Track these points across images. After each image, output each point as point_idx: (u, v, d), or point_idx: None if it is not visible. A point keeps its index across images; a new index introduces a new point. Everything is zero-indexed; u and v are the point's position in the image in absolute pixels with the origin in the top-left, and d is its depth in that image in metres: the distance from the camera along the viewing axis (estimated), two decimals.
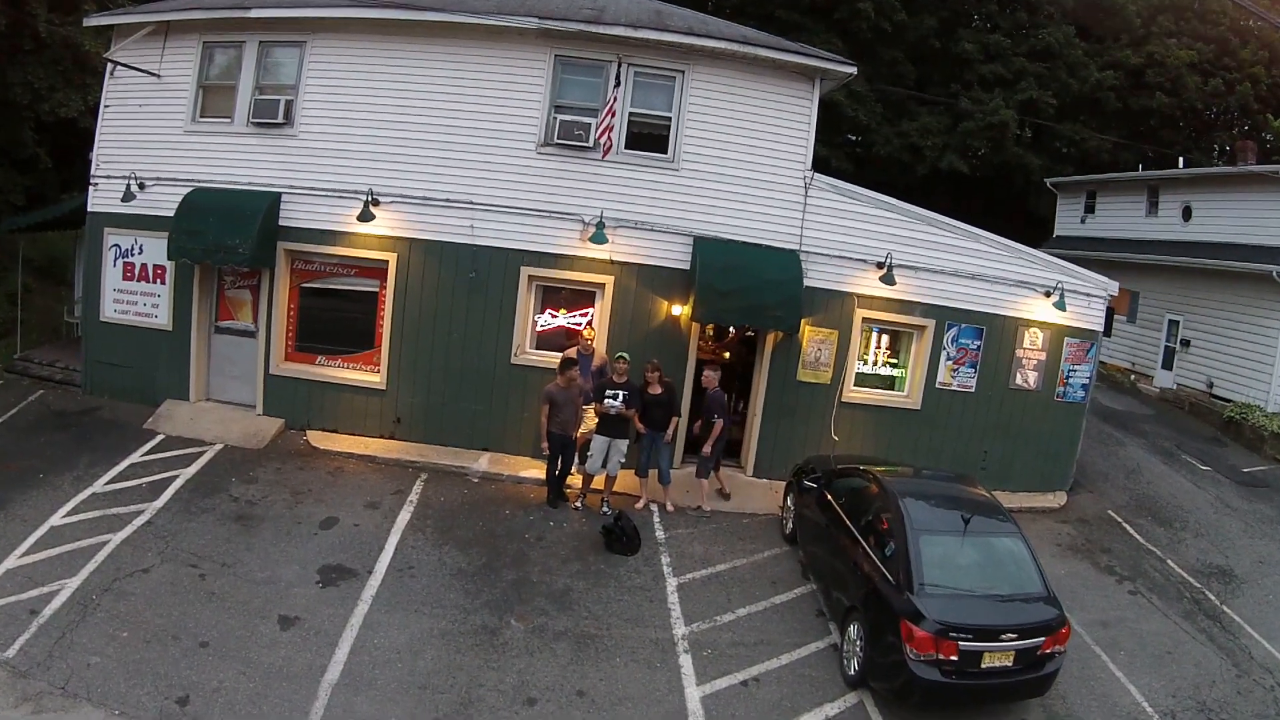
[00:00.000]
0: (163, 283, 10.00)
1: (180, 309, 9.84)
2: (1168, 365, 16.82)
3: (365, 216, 8.84)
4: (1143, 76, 22.24)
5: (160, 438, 9.24)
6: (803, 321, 8.95)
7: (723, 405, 8.43)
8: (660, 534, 8.09)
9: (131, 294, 10.11)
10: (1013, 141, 20.37)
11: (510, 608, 6.66)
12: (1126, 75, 21.86)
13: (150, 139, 9.97)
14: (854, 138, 20.31)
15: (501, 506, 8.28)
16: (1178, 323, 16.57)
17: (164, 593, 6.45)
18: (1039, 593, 6.08)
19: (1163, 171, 18.64)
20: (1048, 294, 9.89)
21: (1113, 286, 10.50)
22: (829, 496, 7.43)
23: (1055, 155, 21.61)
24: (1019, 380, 10.15)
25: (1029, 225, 21.12)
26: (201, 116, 9.89)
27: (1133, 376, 17.44)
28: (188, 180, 9.63)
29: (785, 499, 8.49)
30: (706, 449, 8.35)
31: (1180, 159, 18.92)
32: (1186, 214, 17.35)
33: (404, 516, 7.89)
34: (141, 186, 9.89)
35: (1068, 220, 20.93)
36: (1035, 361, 10.18)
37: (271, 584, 6.69)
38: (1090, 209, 20.28)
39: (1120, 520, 10.01)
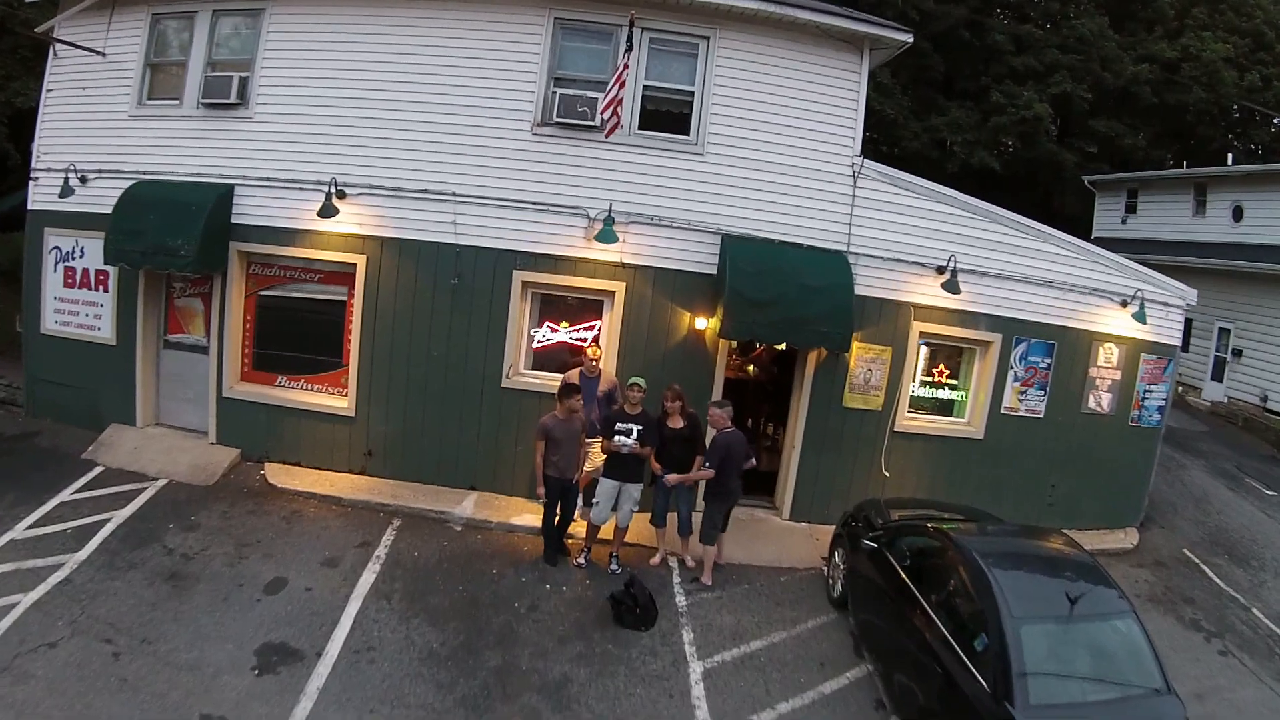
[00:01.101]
0: (106, 290, 8.43)
1: (124, 321, 8.27)
2: (1217, 377, 15.25)
3: (328, 211, 7.22)
4: (1178, 71, 20.53)
5: (98, 470, 7.68)
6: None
7: (729, 451, 6.35)
8: (681, 599, 6.43)
9: (73, 303, 8.54)
10: (1046, 137, 18.58)
11: (492, 707, 5.03)
12: (1161, 69, 20.12)
13: (93, 127, 8.45)
14: (873, 135, 18.72)
15: (488, 563, 6.63)
16: (1228, 331, 15.01)
17: (69, 676, 4.95)
18: (1158, 686, 4.56)
19: (1211, 169, 16.98)
20: (1124, 303, 8.27)
21: (1191, 295, 8.89)
22: (892, 560, 5.77)
23: (1086, 154, 19.82)
24: (1092, 403, 8.54)
25: (1058, 226, 19.33)
26: (149, 99, 8.34)
27: (1180, 389, 15.76)
28: (133, 172, 8.08)
29: (832, 553, 6.82)
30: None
31: (1229, 155, 17.24)
32: (1237, 214, 15.77)
33: (367, 579, 6.26)
34: (83, 180, 8.34)
35: (1107, 221, 19.21)
36: (1109, 382, 8.58)
37: (197, 670, 5.11)
38: (1131, 209, 18.56)
39: (1197, 560, 8.56)
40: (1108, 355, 8.50)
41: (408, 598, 6.07)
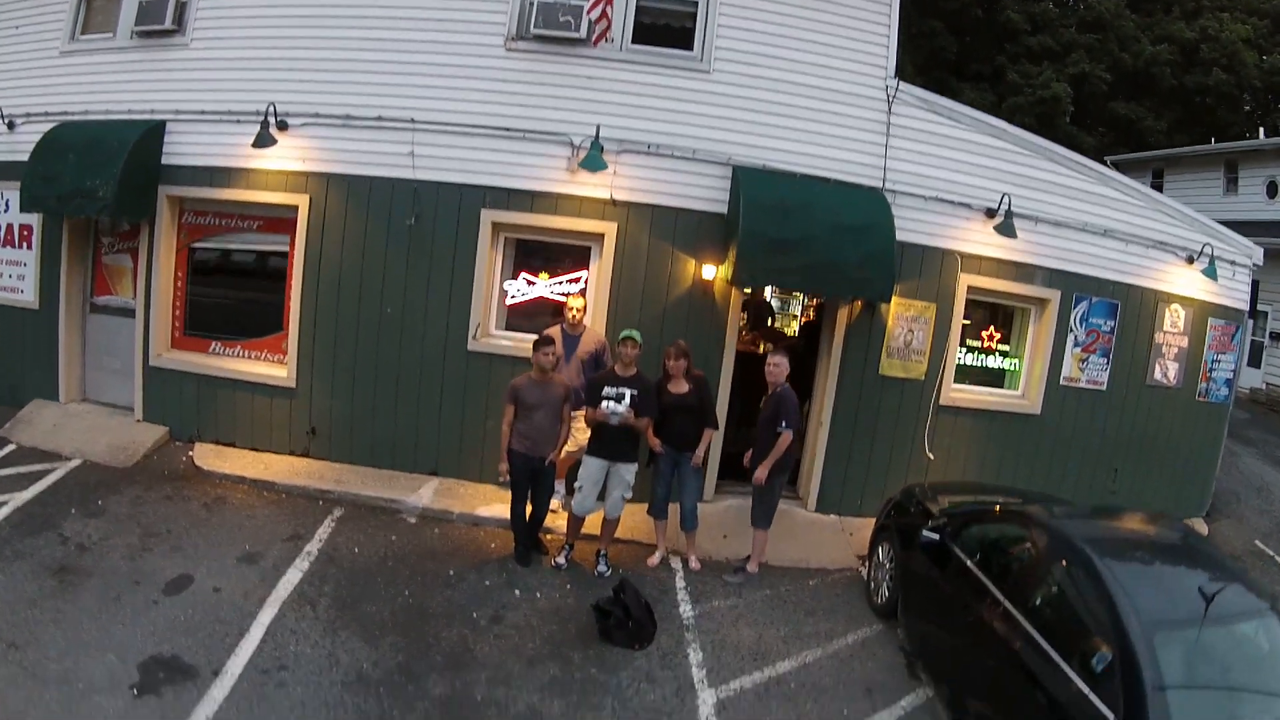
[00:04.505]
0: (29, 248, 7.02)
1: (48, 281, 6.85)
2: (1254, 363, 13.68)
3: (263, 140, 5.77)
4: (1197, 52, 19.02)
5: (9, 449, 6.28)
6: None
7: (797, 410, 5.08)
8: (687, 609, 4.87)
9: None
10: (1065, 118, 17.00)
11: None
12: (1180, 51, 18.61)
13: (23, 67, 7.10)
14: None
15: (444, 563, 5.09)
16: (1265, 314, 13.43)
17: None
18: None
19: (1243, 143, 15.45)
20: (1190, 259, 6.85)
21: (1258, 253, 7.52)
22: (962, 556, 4.23)
23: (1105, 137, 18.26)
24: (1158, 374, 7.06)
25: None
26: (82, 34, 6.97)
27: None
28: (61, 114, 6.72)
29: (873, 550, 5.27)
30: (760, 474, 5.00)
31: (1260, 129, 15.68)
32: (1272, 190, 14.32)
33: (290, 579, 4.75)
34: (10, 125, 6.99)
35: None
36: (1176, 350, 7.11)
37: (66, 685, 3.72)
38: (1157, 189, 16.97)
39: (1271, 553, 7.23)
40: (1174, 319, 7.03)
41: (338, 604, 4.55)
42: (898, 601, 4.77)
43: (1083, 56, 16.98)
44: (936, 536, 4.34)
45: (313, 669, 4.03)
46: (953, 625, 4.14)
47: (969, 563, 4.15)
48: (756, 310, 9.02)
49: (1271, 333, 13.56)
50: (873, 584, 5.13)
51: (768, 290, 10.32)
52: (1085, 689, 3.16)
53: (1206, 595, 3.27)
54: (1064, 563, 3.71)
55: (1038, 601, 3.69)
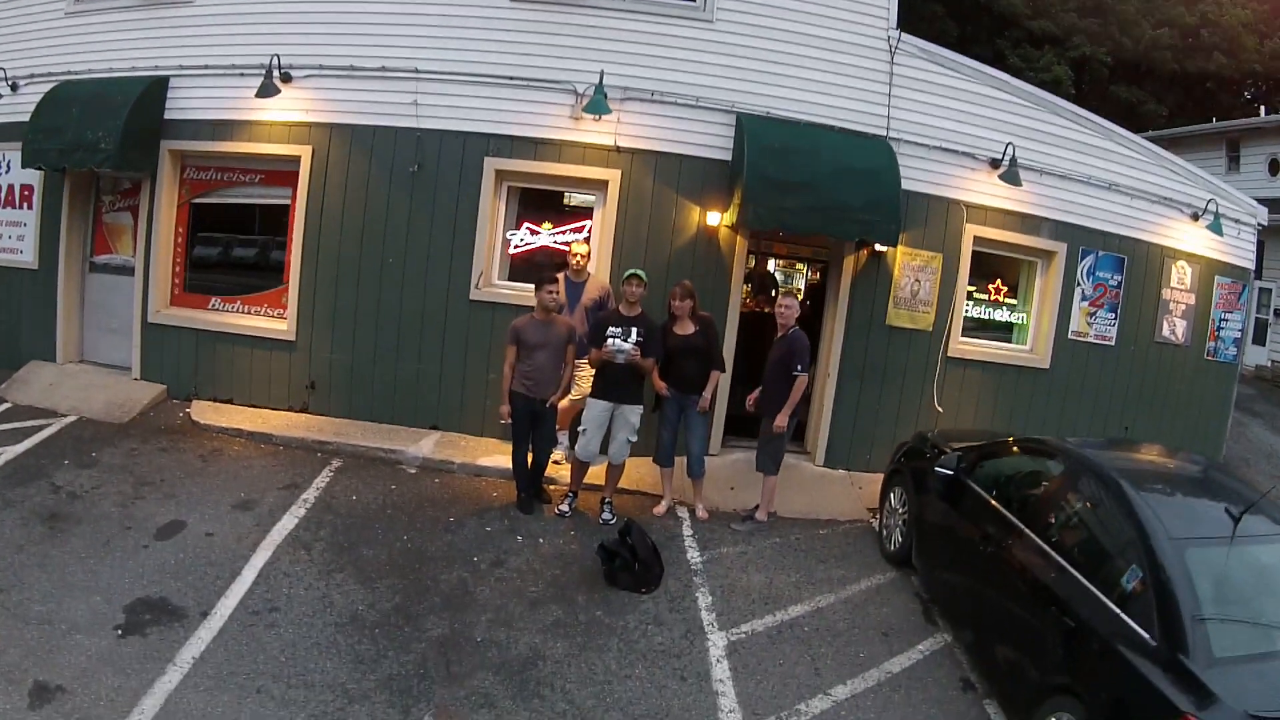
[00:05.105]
0: (30, 207, 6.89)
1: (47, 240, 6.71)
2: (1259, 340, 13.54)
3: (267, 90, 5.63)
4: (1197, 36, 18.89)
5: (5, 407, 6.13)
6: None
7: (809, 352, 4.89)
8: (694, 555, 4.69)
9: None
10: (1067, 100, 16.85)
11: (428, 692, 3.35)
12: (1181, 35, 18.49)
13: (28, 29, 6.99)
14: None
15: (445, 510, 4.92)
16: (1269, 291, 13.30)
17: None
18: None
19: (1244, 120, 15.36)
20: (1195, 216, 6.77)
21: (1262, 213, 7.46)
22: (977, 489, 4.06)
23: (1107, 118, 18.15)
24: (1165, 331, 6.95)
25: None
26: None
27: None
28: (65, 74, 6.62)
29: (884, 498, 5.08)
30: (780, 421, 4.83)
31: (1262, 108, 15.55)
32: (1274, 168, 14.22)
33: (286, 524, 4.58)
34: (14, 87, 6.90)
35: None
36: (1184, 306, 7.02)
37: (48, 625, 3.56)
38: None
39: None
40: (1181, 275, 6.94)
41: (334, 548, 4.38)
42: (911, 546, 4.58)
43: (1084, 40, 16.86)
44: (951, 471, 4.16)
45: (305, 610, 3.86)
46: (971, 564, 3.95)
47: (988, 497, 3.98)
48: (760, 282, 8.94)
49: (1276, 309, 13.40)
50: (885, 531, 4.94)
51: (770, 262, 10.18)
52: (1117, 610, 3.00)
53: (1234, 515, 3.15)
54: (1089, 488, 3.55)
55: (1062, 530, 3.54)
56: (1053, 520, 3.60)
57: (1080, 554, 3.35)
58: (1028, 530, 3.62)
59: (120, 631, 3.58)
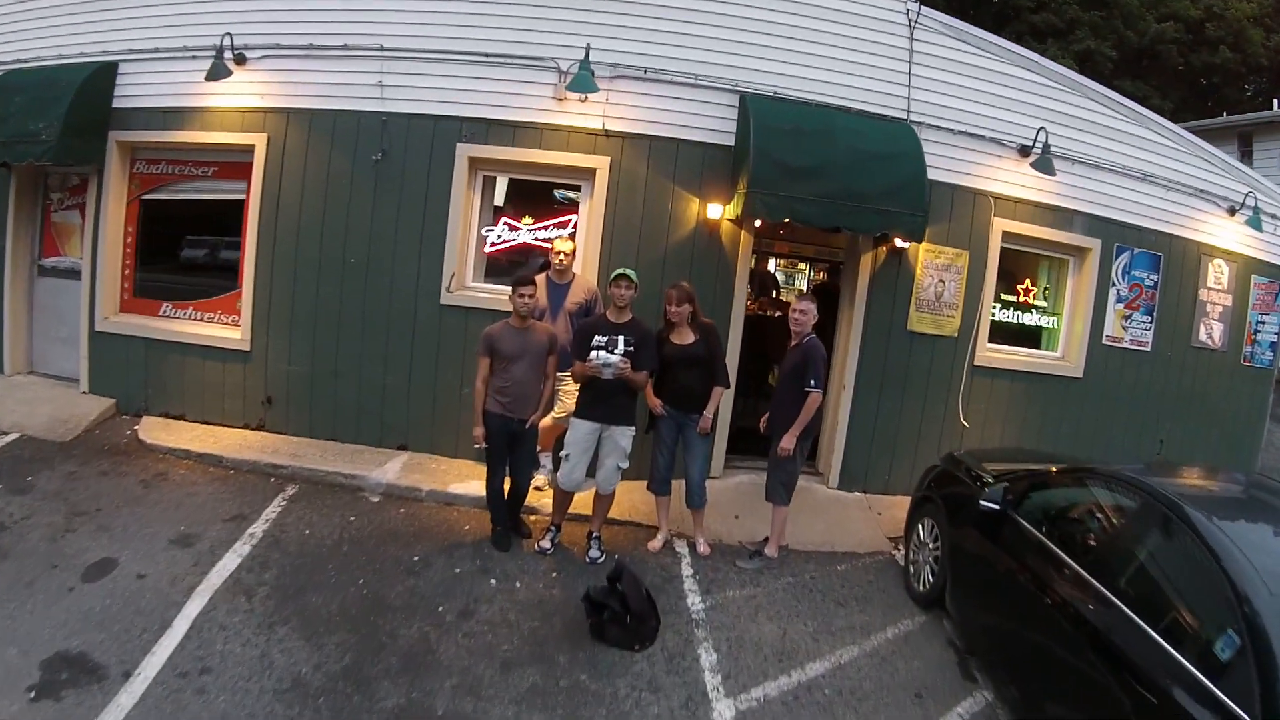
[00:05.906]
0: None
1: None
2: None
3: (218, 72, 4.96)
4: (1203, 30, 18.18)
5: None
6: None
7: (825, 364, 4.24)
8: (695, 600, 4.03)
9: None
10: None
11: None
12: (1186, 29, 17.79)
13: None
14: None
15: (409, 547, 4.26)
16: None
17: None
18: None
19: (1257, 114, 14.65)
20: (1231, 210, 6.17)
21: None
22: (1028, 526, 3.41)
23: None
24: (1203, 335, 6.38)
25: None
26: None
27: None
28: (12, 62, 5.97)
29: (912, 529, 4.42)
30: (786, 443, 4.17)
31: (1275, 102, 14.85)
32: None
33: (227, 563, 3.93)
34: None
35: None
36: (1220, 309, 6.45)
37: None
38: None
39: None
40: (1218, 274, 6.35)
41: (279, 595, 3.73)
42: (945, 587, 3.93)
43: (1087, 34, 16.16)
44: (998, 505, 3.51)
45: (241, 672, 3.21)
46: (1020, 614, 3.31)
47: (1041, 536, 3.33)
48: (761, 281, 8.40)
49: None
50: (912, 568, 4.29)
51: (771, 262, 9.55)
52: (1206, 682, 2.37)
53: None
54: (1167, 532, 2.89)
55: (1134, 582, 2.87)
56: (1122, 567, 2.95)
57: (1159, 611, 2.70)
58: (1092, 580, 2.96)
59: (33, 694, 2.98)
